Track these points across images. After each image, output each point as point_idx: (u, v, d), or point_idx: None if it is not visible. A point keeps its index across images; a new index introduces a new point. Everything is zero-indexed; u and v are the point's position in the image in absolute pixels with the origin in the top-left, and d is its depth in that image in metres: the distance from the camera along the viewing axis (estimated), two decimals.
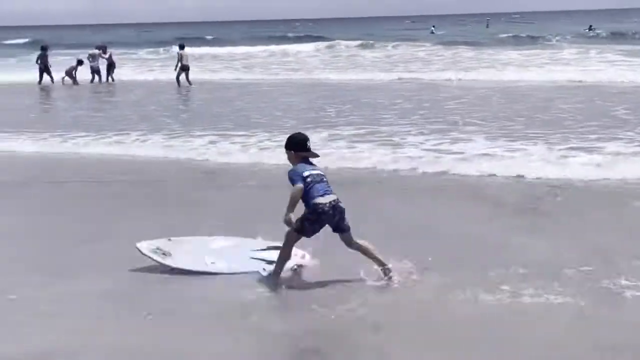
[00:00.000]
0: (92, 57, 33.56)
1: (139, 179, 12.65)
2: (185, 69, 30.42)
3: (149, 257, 7.43)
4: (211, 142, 15.93)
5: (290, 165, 7.14)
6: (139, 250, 7.46)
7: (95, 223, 9.60)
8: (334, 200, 6.96)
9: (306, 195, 6.92)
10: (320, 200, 6.91)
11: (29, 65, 37.35)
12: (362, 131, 16.66)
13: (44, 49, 33.85)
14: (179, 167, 13.79)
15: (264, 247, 7.70)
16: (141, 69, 39.95)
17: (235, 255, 7.59)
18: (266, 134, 16.46)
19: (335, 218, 6.97)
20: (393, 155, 13.68)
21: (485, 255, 7.74)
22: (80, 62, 33.61)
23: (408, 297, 6.71)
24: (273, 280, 7.11)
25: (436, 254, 7.68)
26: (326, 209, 6.90)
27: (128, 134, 17.37)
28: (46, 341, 5.93)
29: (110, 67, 33.93)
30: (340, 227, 7.06)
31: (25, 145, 16.51)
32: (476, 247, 8.13)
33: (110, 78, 33.52)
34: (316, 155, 7.20)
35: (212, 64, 41.23)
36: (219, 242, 7.81)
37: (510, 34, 63.64)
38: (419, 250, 7.70)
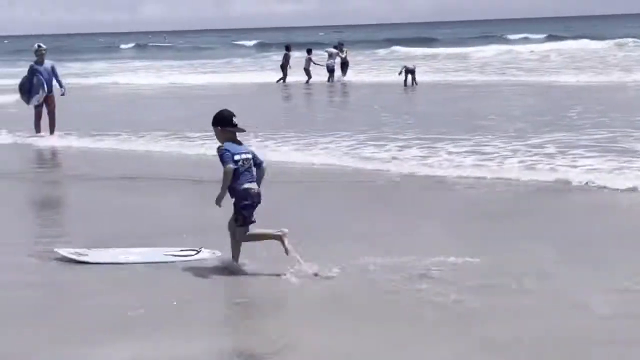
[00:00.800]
0: (330, 56, 34.48)
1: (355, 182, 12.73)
2: (409, 71, 30.46)
3: (66, 257, 7.94)
4: (405, 147, 15.37)
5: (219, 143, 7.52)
6: (58, 253, 8.05)
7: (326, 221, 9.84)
8: (258, 189, 7.45)
9: (236, 181, 7.31)
10: (249, 185, 7.36)
11: (261, 66, 38.89)
12: (604, 136, 15.84)
13: (287, 48, 35.23)
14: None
15: (177, 251, 8.05)
16: (370, 69, 40.46)
17: (148, 253, 8.10)
18: (482, 139, 15.88)
19: (256, 207, 7.43)
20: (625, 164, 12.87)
21: None
22: (309, 51, 34.61)
23: None
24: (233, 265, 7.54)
25: None
26: (251, 193, 7.37)
27: (335, 134, 17.37)
28: (247, 339, 6.04)
29: (344, 65, 34.75)
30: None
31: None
32: None
33: (343, 77, 34.29)
34: (243, 130, 7.56)
35: (442, 65, 41.02)
36: (134, 250, 8.24)
37: None
38: None
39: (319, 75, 33.94)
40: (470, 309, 6.48)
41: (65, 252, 8.11)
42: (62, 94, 18.81)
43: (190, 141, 17.10)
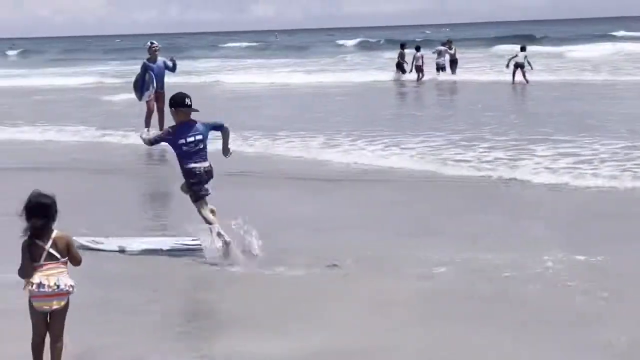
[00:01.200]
0: (439, 53, 34.44)
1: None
2: (519, 65, 29.91)
3: (82, 245, 8.35)
4: (496, 148, 14.90)
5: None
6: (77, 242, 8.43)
7: (423, 221, 9.88)
8: (206, 167, 8.36)
9: (184, 161, 8.29)
10: (194, 165, 8.30)
11: (369, 64, 38.44)
12: None
13: (402, 46, 35.41)
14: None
15: (188, 241, 8.58)
16: (481, 67, 39.83)
17: (158, 242, 8.76)
18: (586, 140, 15.22)
19: (208, 181, 8.36)
20: None
21: None
22: (418, 48, 34.46)
23: None
24: (220, 239, 8.08)
25: None
26: (198, 172, 8.30)
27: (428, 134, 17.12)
28: (362, 337, 6.09)
29: (453, 63, 34.66)
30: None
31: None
32: None
33: (453, 74, 34.18)
34: (196, 110, 8.42)
35: (553, 63, 40.07)
36: (145, 239, 8.91)
37: None
38: None
39: (429, 73, 33.80)
40: (583, 311, 6.37)
41: (83, 240, 8.60)
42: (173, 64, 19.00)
43: (286, 141, 16.91)
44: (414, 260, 7.89)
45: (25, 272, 5.15)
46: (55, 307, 5.17)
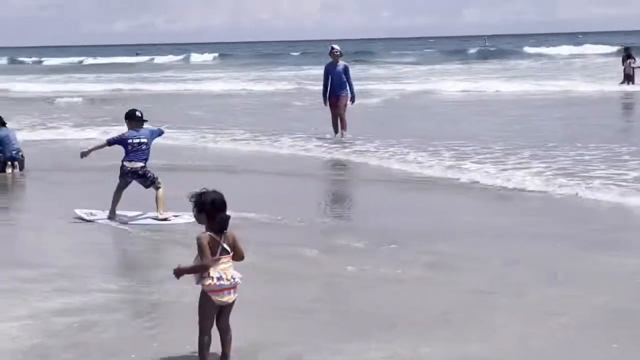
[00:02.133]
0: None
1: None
2: None
3: (79, 217, 10.72)
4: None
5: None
6: (75, 213, 10.83)
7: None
8: (135, 167, 10.55)
9: (124, 156, 10.58)
10: (125, 163, 10.61)
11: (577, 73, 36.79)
12: None
13: (626, 50, 35.18)
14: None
15: (166, 217, 10.55)
16: None
17: (142, 218, 10.77)
18: None
19: (134, 177, 10.62)
20: None
21: None
22: (629, 55, 33.64)
23: None
24: (109, 216, 10.63)
25: None
26: (126, 170, 10.61)
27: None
28: (524, 351, 6.10)
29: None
30: (145, 185, 10.68)
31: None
32: None
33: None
34: (145, 120, 10.78)
35: None
36: (130, 213, 10.88)
37: None
38: None
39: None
40: None
41: (80, 212, 10.85)
42: (351, 101, 19.23)
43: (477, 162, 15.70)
44: (591, 273, 7.89)
45: (207, 265, 5.41)
46: (232, 299, 5.51)
